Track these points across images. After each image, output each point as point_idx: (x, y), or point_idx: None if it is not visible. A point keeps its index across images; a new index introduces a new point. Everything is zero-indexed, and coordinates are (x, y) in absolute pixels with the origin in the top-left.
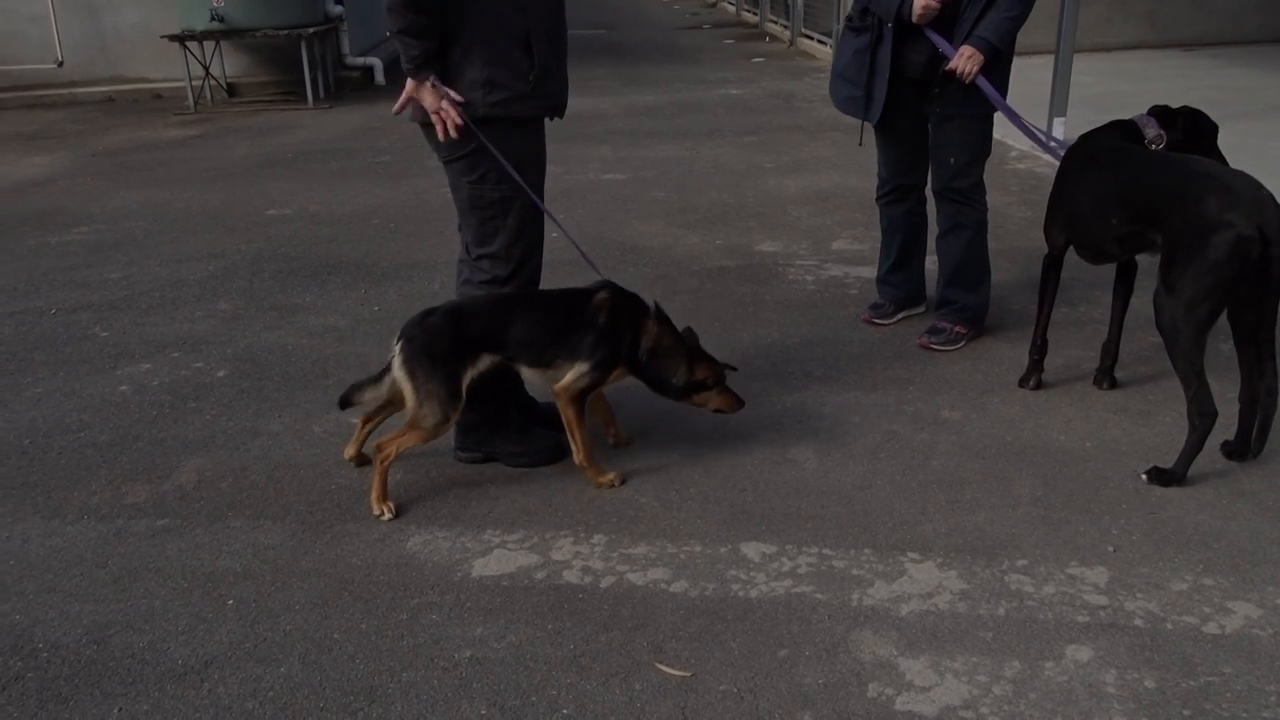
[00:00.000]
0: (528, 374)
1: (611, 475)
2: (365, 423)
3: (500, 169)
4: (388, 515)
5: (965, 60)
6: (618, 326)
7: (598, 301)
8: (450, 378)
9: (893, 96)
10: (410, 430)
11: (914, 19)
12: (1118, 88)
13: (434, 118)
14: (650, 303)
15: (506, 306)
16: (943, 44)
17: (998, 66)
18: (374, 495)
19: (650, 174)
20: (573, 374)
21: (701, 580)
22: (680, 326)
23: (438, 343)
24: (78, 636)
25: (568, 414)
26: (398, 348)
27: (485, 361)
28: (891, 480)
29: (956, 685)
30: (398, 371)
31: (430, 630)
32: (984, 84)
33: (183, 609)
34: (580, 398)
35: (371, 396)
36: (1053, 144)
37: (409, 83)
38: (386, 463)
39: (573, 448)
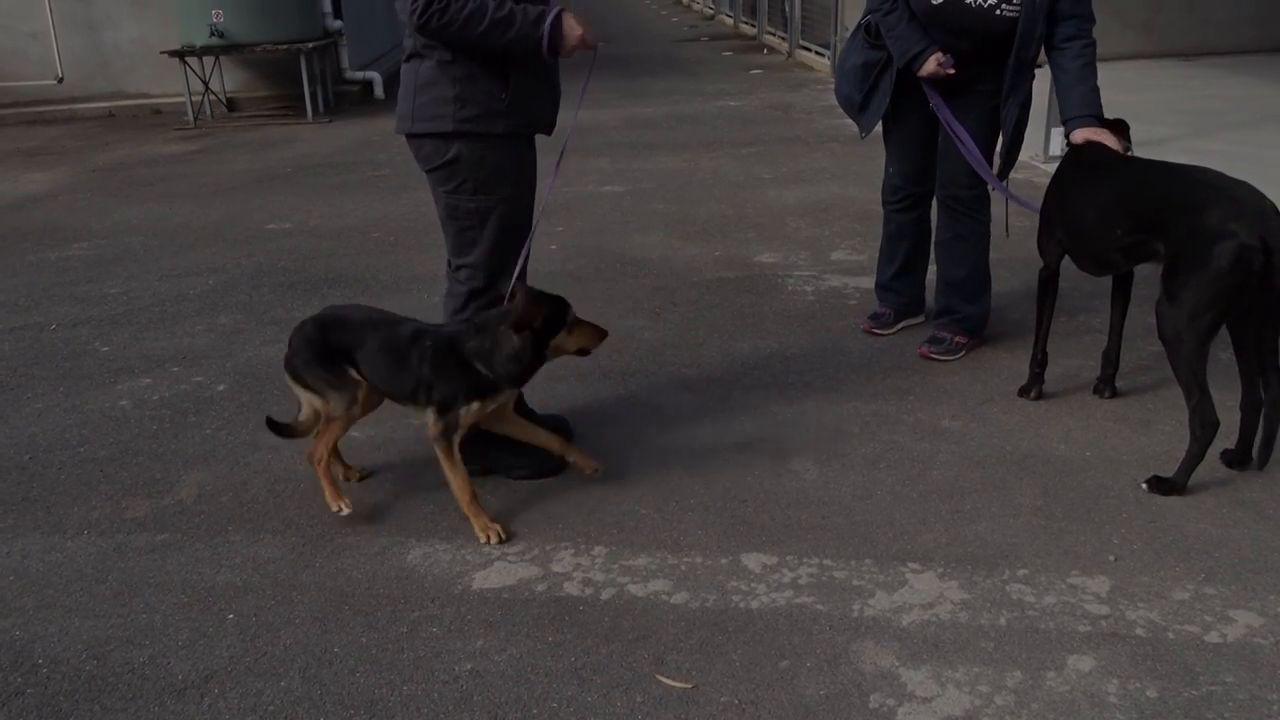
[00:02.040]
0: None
1: (496, 528)
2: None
3: (476, 181)
4: (345, 510)
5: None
6: (445, 371)
7: (420, 352)
8: (333, 368)
9: (907, 104)
10: (326, 425)
11: (920, 75)
12: (1116, 97)
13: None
14: (468, 328)
15: (366, 328)
16: (943, 110)
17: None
18: (327, 496)
19: (649, 186)
20: (427, 419)
21: (702, 592)
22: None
23: (310, 348)
24: (78, 652)
25: (438, 455)
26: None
27: (353, 374)
28: (892, 490)
29: (958, 696)
30: (291, 385)
31: (431, 643)
32: (946, 114)
33: (183, 623)
34: (444, 440)
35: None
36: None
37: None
38: (322, 464)
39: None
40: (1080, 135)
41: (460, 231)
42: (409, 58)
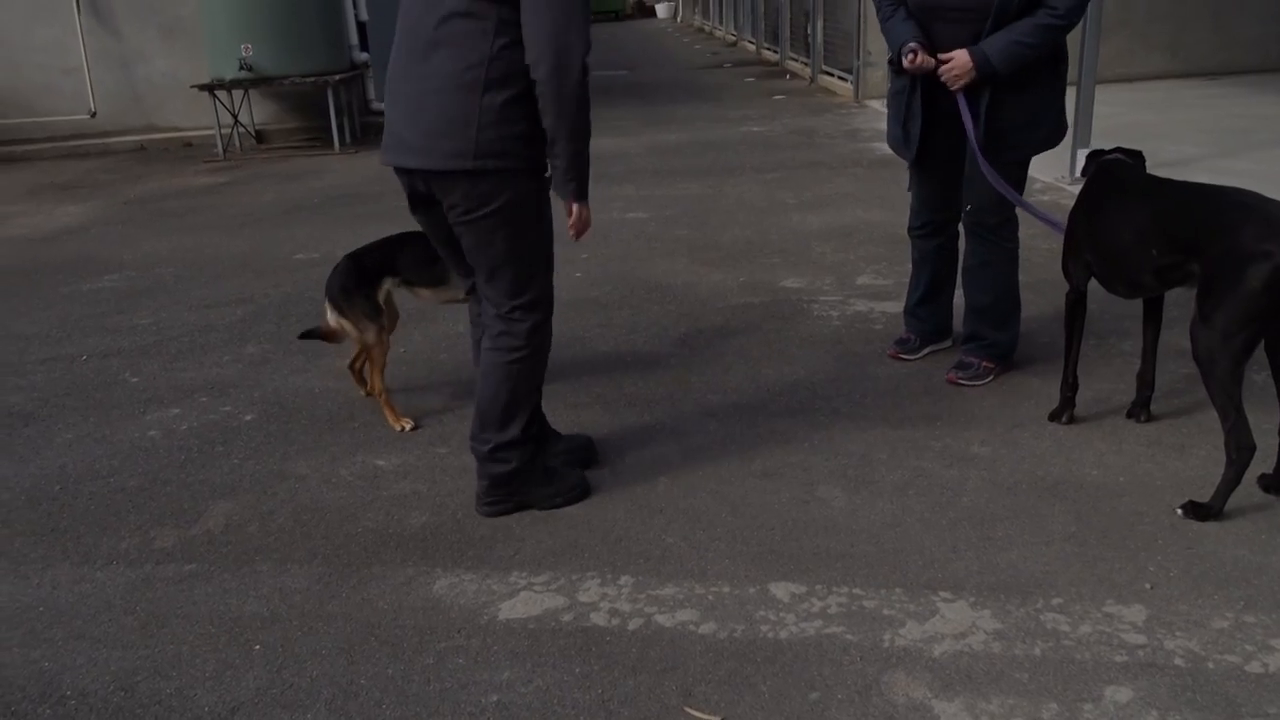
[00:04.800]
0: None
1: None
2: (353, 367)
3: (529, 218)
4: (409, 426)
5: (953, 65)
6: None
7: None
8: (366, 298)
9: (927, 131)
10: (369, 356)
11: (905, 68)
12: (1141, 118)
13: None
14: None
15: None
16: (965, 115)
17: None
18: (390, 419)
19: (673, 212)
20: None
21: (730, 621)
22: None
23: (347, 279)
24: (105, 683)
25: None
26: (329, 310)
27: (387, 284)
28: (921, 518)
29: None
30: (333, 321)
31: (457, 675)
32: (962, 104)
33: (210, 655)
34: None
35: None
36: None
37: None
38: (385, 394)
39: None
40: (958, 54)
41: (518, 273)
42: (459, 86)
